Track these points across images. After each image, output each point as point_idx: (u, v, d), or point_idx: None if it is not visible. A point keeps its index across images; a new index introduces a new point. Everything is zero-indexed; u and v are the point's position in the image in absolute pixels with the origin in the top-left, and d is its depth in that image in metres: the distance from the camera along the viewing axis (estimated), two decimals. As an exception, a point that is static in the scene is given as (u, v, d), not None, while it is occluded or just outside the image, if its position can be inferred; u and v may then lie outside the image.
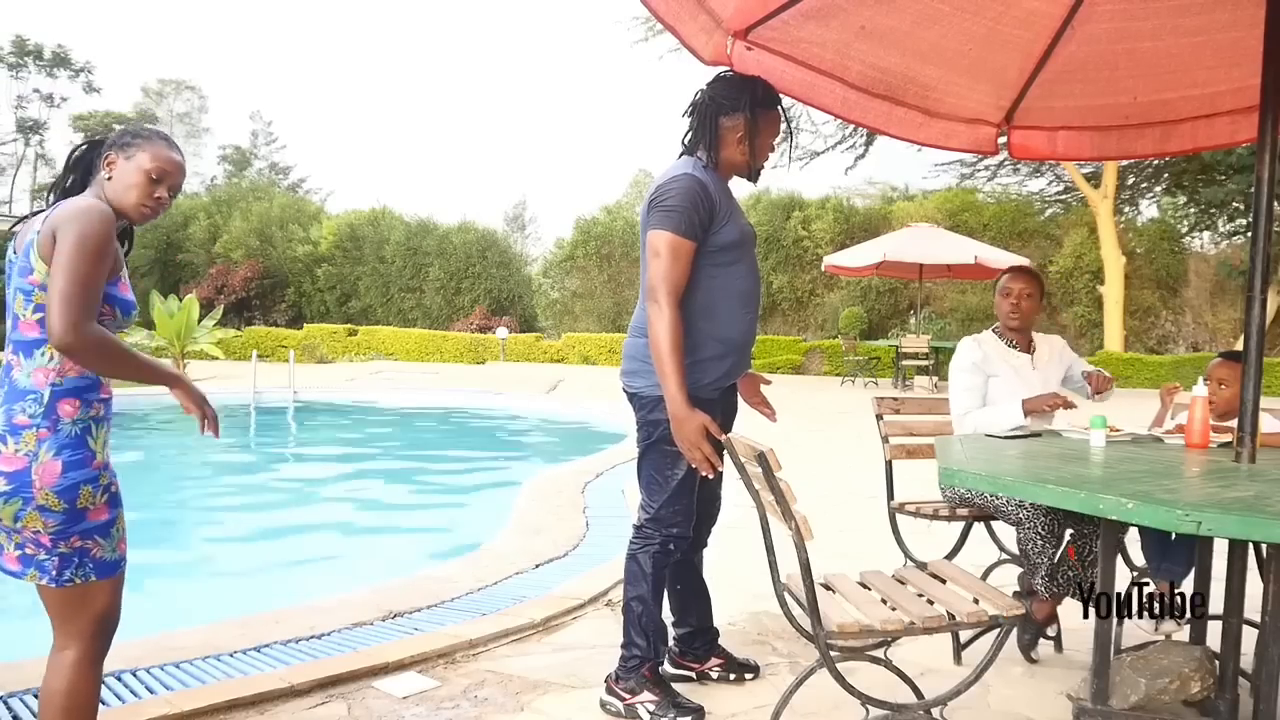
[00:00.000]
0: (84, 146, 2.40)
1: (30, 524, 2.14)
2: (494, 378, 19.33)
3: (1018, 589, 3.93)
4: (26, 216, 2.32)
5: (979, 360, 3.87)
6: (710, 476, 3.05)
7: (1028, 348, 3.97)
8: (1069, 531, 3.55)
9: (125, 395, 14.96)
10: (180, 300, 19.11)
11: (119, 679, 3.29)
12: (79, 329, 2.08)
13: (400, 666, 3.48)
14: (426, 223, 29.14)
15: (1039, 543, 3.38)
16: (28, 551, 2.18)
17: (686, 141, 3.25)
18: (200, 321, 18.72)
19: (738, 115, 3.14)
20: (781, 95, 3.34)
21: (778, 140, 3.31)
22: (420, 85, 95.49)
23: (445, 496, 8.60)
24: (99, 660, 2.28)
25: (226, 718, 3.01)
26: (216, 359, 19.17)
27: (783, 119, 3.27)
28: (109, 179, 2.30)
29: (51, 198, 2.36)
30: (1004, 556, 4.09)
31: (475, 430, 13.46)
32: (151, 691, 3.19)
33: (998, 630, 2.73)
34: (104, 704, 3.10)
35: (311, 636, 3.77)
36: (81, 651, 2.24)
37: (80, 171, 2.38)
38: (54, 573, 2.18)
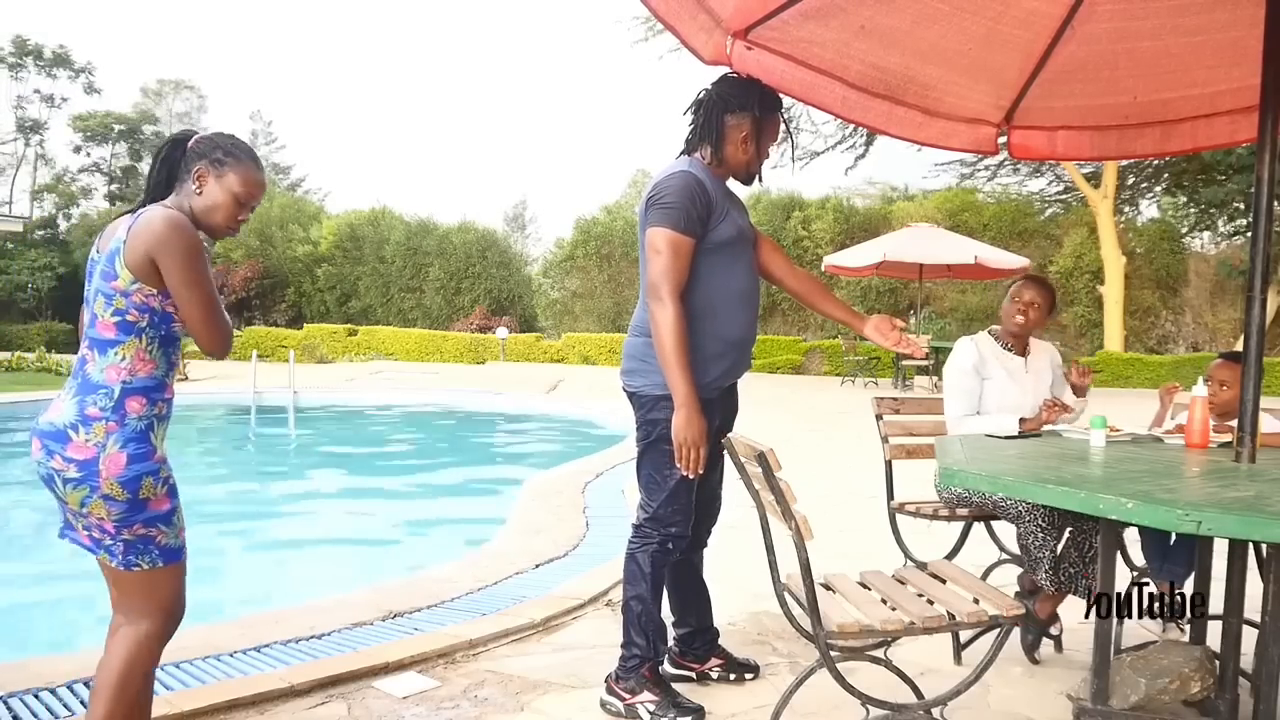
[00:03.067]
0: (169, 146, 2.44)
1: (95, 511, 2.25)
2: (494, 378, 19.33)
3: (1018, 589, 3.93)
4: (126, 213, 2.37)
5: (976, 363, 3.89)
6: (690, 476, 3.05)
7: (1023, 351, 3.99)
8: (1069, 528, 3.55)
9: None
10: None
11: (119, 679, 3.28)
12: (226, 341, 2.36)
13: (400, 666, 3.48)
14: (426, 223, 29.15)
15: (1039, 537, 3.38)
16: (95, 536, 2.30)
17: (688, 140, 3.26)
18: (200, 321, 18.69)
19: (744, 114, 3.16)
20: (782, 96, 3.35)
21: (775, 146, 3.33)
22: (420, 85, 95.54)
23: (445, 496, 8.61)
24: (164, 640, 2.38)
25: (227, 718, 3.01)
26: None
27: (783, 124, 3.30)
28: (198, 193, 2.38)
29: (143, 201, 2.41)
30: (1004, 556, 4.09)
31: (475, 430, 13.46)
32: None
33: (998, 630, 2.73)
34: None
35: (311, 636, 3.77)
36: (151, 628, 2.35)
37: (166, 170, 2.43)
38: (121, 557, 2.30)
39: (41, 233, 36.44)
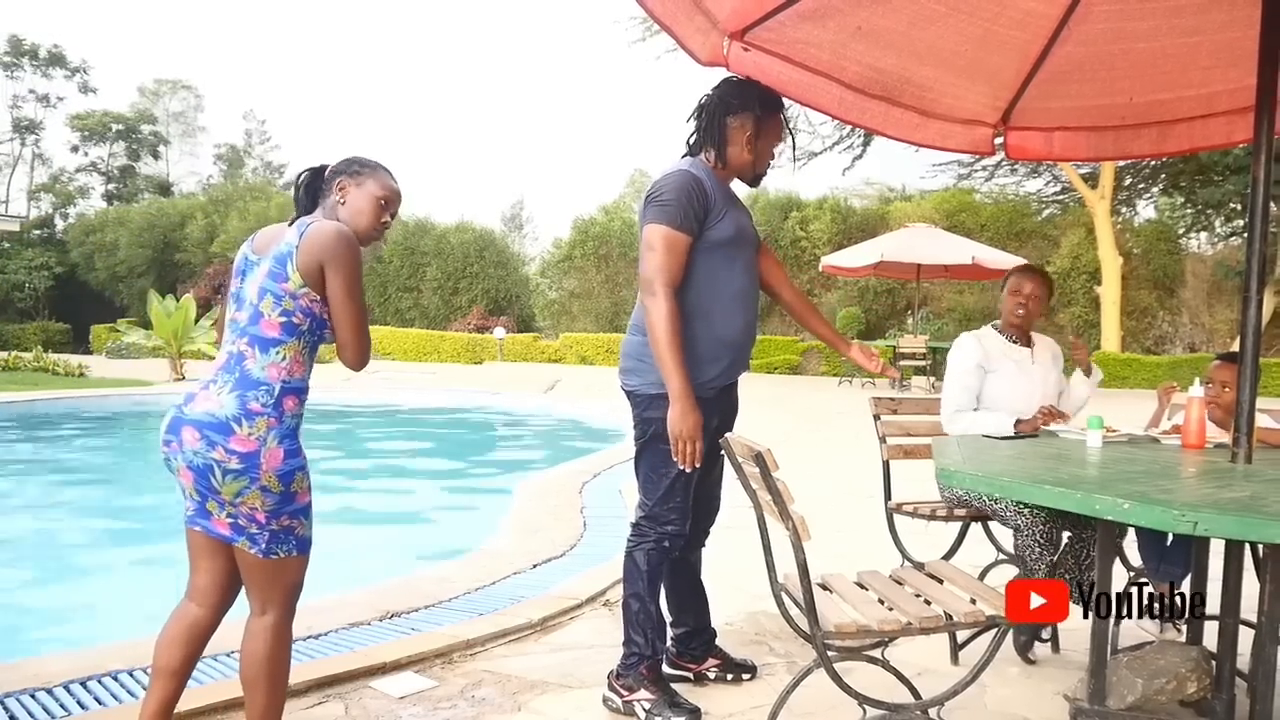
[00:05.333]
0: (310, 175, 2.65)
1: (250, 501, 2.38)
2: (491, 378, 19.33)
3: None
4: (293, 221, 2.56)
5: (980, 360, 3.87)
6: (688, 470, 3.06)
7: (1028, 343, 3.99)
8: (1066, 535, 3.55)
9: (127, 393, 14.95)
10: (177, 300, 19.11)
11: (116, 679, 3.28)
12: (368, 354, 2.52)
13: (397, 666, 3.48)
14: (424, 222, 29.13)
15: (1036, 549, 3.38)
16: (240, 523, 2.42)
17: (690, 143, 3.26)
18: (197, 321, 18.72)
19: (745, 115, 3.17)
20: (781, 99, 3.36)
21: (778, 148, 3.33)
22: (417, 85, 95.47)
23: (442, 497, 8.60)
24: (290, 623, 2.55)
25: (224, 718, 3.01)
26: (214, 359, 19.14)
27: (784, 125, 3.30)
28: (342, 203, 2.57)
29: (294, 218, 2.60)
30: (1001, 557, 4.09)
31: (472, 430, 13.46)
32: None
33: (995, 630, 2.73)
34: (100, 704, 3.10)
35: (309, 636, 3.77)
36: (278, 616, 2.50)
37: (310, 196, 2.64)
38: (264, 546, 2.43)
39: (38, 232, 36.46)
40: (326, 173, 2.64)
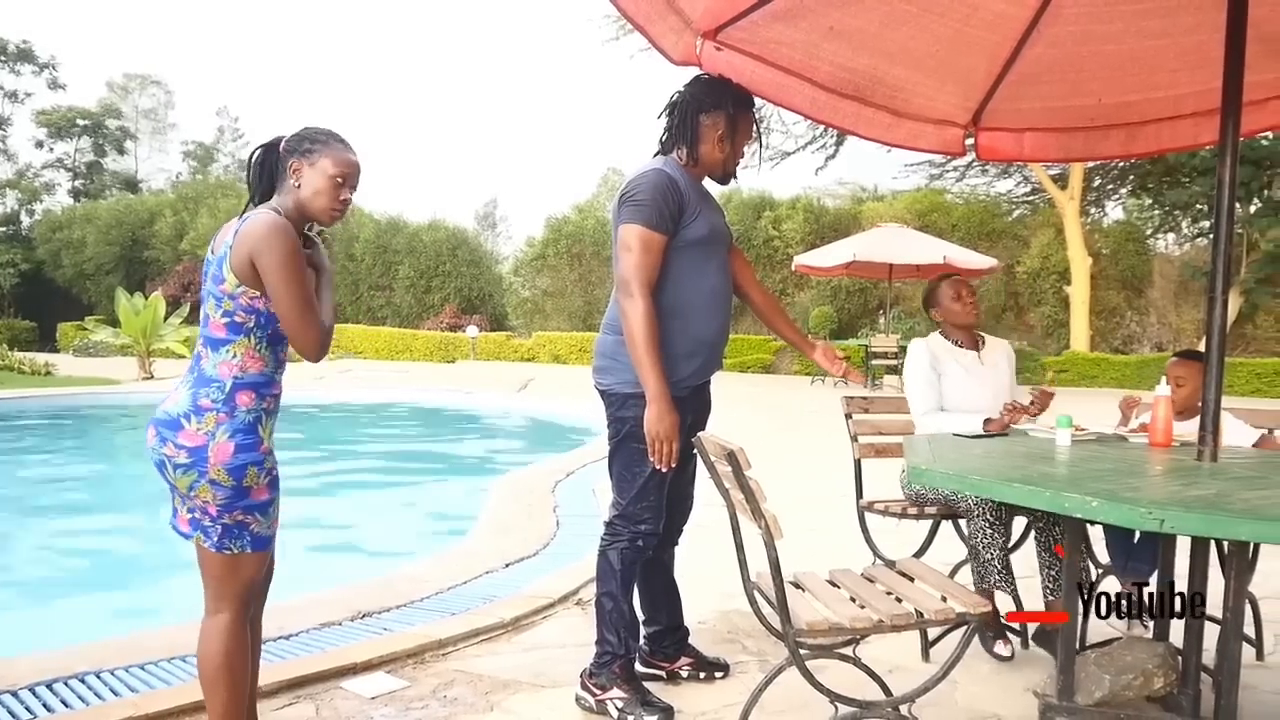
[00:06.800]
0: (261, 151, 2.56)
1: (201, 494, 2.40)
2: (464, 376, 19.26)
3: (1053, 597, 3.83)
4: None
5: (931, 360, 3.95)
6: (664, 470, 3.07)
7: (974, 345, 4.05)
8: (1034, 530, 3.59)
9: (95, 392, 14.78)
10: (146, 298, 18.93)
11: (83, 681, 3.25)
12: (321, 343, 2.44)
13: (369, 667, 3.46)
14: (396, 220, 28.99)
15: (988, 533, 3.43)
16: (196, 517, 2.45)
17: (663, 141, 3.26)
18: (166, 319, 18.54)
19: (718, 113, 3.17)
20: (753, 98, 3.37)
21: (749, 145, 3.33)
22: (390, 82, 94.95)
23: (415, 496, 8.56)
24: (245, 622, 2.54)
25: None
26: (183, 357, 18.95)
27: (756, 123, 3.31)
28: (297, 186, 2.50)
29: (250, 205, 2.53)
30: (971, 554, 4.13)
31: (445, 429, 13.40)
32: (116, 694, 3.15)
33: (965, 628, 2.75)
34: (67, 706, 3.06)
35: (279, 637, 3.74)
36: (231, 616, 2.50)
37: (266, 176, 2.56)
38: (216, 540, 2.45)
39: (4, 229, 35.97)
40: (281, 148, 2.54)
